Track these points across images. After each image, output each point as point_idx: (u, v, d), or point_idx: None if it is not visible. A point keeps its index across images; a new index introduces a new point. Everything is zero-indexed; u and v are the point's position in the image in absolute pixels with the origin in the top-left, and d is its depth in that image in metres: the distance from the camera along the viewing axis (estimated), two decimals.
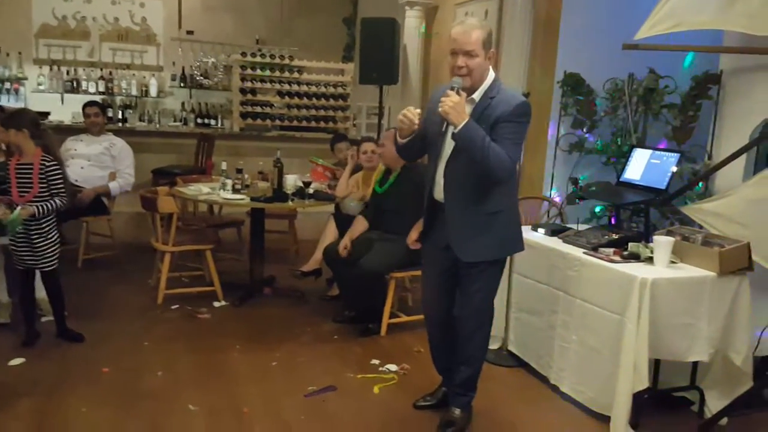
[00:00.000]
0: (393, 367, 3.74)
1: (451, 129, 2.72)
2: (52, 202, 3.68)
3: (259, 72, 7.28)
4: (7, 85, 7.39)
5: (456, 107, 2.62)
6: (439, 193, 2.92)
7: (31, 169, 3.65)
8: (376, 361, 3.81)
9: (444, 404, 3.22)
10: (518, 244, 3.04)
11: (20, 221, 3.53)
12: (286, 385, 3.48)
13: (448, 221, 2.89)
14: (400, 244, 3.97)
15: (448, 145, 2.83)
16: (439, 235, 2.97)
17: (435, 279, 3.10)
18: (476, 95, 2.78)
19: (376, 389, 3.48)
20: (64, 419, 2.99)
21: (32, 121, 3.72)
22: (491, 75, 2.82)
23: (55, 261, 3.78)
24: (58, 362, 3.59)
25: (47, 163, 3.68)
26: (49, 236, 3.72)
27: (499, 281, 3.07)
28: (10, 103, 7.11)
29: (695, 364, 3.32)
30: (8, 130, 3.61)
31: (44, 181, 3.66)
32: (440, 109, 2.64)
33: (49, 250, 3.72)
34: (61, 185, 3.74)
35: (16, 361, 3.55)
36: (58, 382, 3.35)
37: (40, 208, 3.62)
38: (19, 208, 3.55)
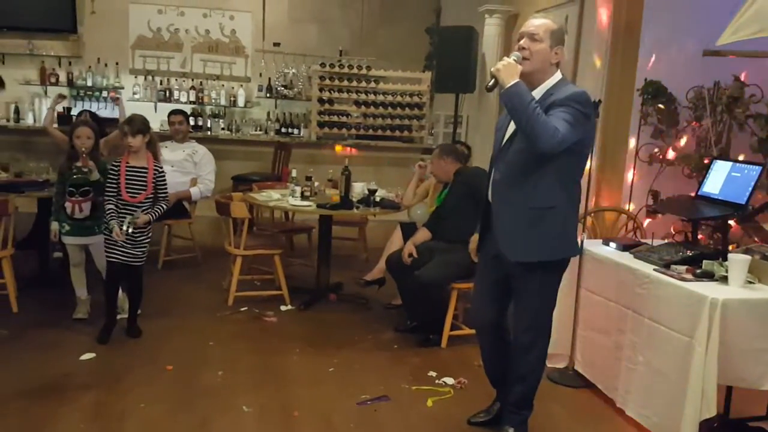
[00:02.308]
0: (450, 381, 3.67)
1: (511, 125, 2.72)
2: (160, 206, 3.98)
3: (337, 82, 7.38)
4: (105, 93, 7.86)
5: (508, 67, 2.56)
6: (491, 194, 2.86)
7: (144, 172, 3.91)
8: (433, 373, 3.75)
9: (499, 421, 3.11)
10: (571, 247, 2.85)
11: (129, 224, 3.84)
12: (340, 391, 3.48)
13: (495, 217, 2.78)
14: (460, 253, 3.86)
15: (503, 141, 2.81)
16: (492, 241, 2.88)
17: (485, 288, 3.02)
18: (537, 92, 2.69)
19: (429, 402, 3.42)
20: (121, 413, 3.11)
21: (149, 128, 4.02)
22: (557, 75, 2.74)
23: (145, 257, 4.02)
24: (127, 358, 3.74)
25: (159, 170, 3.98)
26: (149, 234, 3.99)
27: (556, 293, 2.91)
28: (107, 111, 7.55)
29: None
30: (135, 136, 3.87)
31: (153, 185, 3.93)
32: (492, 69, 2.61)
33: (146, 246, 3.97)
34: (166, 190, 4.03)
35: (87, 356, 3.73)
36: (123, 377, 3.50)
37: (153, 214, 3.93)
38: (128, 218, 3.83)
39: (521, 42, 2.69)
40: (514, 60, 2.62)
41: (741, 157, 4.06)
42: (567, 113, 2.57)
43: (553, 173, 2.67)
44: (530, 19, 2.78)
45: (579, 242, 2.94)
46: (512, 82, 2.53)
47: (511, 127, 2.76)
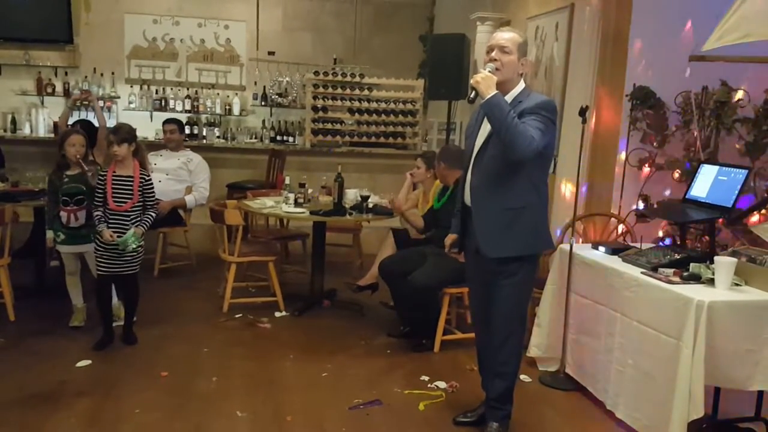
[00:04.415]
0: (442, 385, 3.70)
1: (482, 132, 2.92)
2: (149, 215, 4.01)
3: (331, 90, 7.44)
4: (101, 103, 7.89)
5: (486, 79, 2.75)
6: (468, 197, 3.03)
7: (129, 180, 3.93)
8: (425, 378, 3.79)
9: (485, 421, 3.17)
10: (544, 242, 3.05)
11: (136, 240, 3.88)
12: (333, 396, 3.51)
13: (474, 218, 2.97)
14: (453, 259, 3.93)
15: (476, 147, 2.98)
16: (472, 241, 3.04)
17: (477, 289, 3.17)
18: (506, 99, 2.85)
19: (421, 406, 3.45)
20: (116, 419, 3.14)
21: (135, 136, 4.03)
22: (522, 84, 2.95)
23: (138, 265, 4.04)
24: (122, 365, 3.78)
25: (146, 178, 4.00)
26: (142, 240, 4.01)
27: (531, 288, 3.13)
28: None
29: (761, 393, 3.10)
30: (120, 144, 3.90)
31: (140, 193, 3.95)
32: (471, 81, 2.78)
33: (138, 255, 3.99)
34: (155, 198, 4.07)
35: (83, 363, 3.76)
36: (119, 383, 3.53)
37: (144, 226, 3.95)
38: (131, 230, 3.87)
39: (493, 54, 2.88)
40: (489, 71, 2.80)
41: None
42: (538, 121, 2.77)
43: (525, 176, 2.87)
44: (498, 32, 2.98)
45: (551, 237, 3.15)
46: (491, 93, 2.71)
47: (482, 133, 2.95)
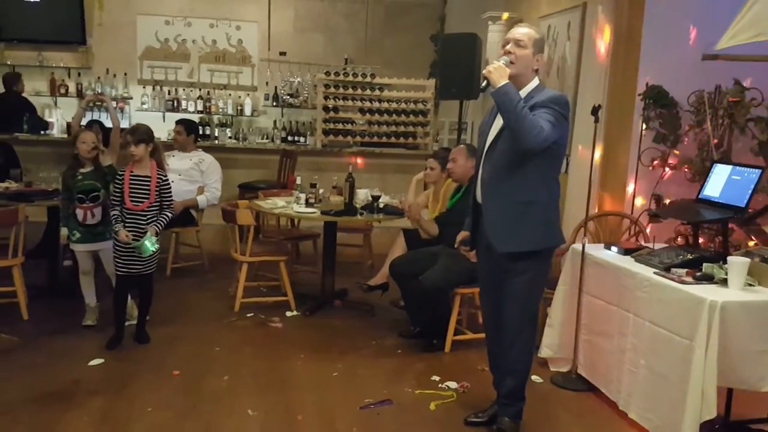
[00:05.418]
0: (453, 385, 3.69)
1: (494, 127, 2.94)
2: (165, 215, 4.04)
3: (342, 90, 7.45)
4: (114, 103, 7.94)
5: (498, 69, 2.77)
6: (479, 193, 3.05)
7: (147, 180, 3.97)
8: (436, 378, 3.78)
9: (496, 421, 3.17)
10: (555, 238, 3.03)
11: (152, 244, 3.89)
12: (344, 395, 3.52)
13: (483, 212, 2.99)
14: (464, 259, 3.91)
15: (487, 142, 3.00)
16: (483, 237, 3.06)
17: (488, 288, 3.17)
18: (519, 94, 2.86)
19: (432, 406, 3.44)
20: (128, 417, 3.16)
21: (153, 137, 4.07)
22: (536, 81, 2.96)
23: (155, 265, 4.08)
24: (135, 364, 3.80)
25: (163, 178, 4.03)
26: (158, 242, 4.03)
27: (542, 283, 3.12)
28: None
29: None
30: (138, 145, 3.94)
31: (157, 193, 3.98)
32: (483, 71, 2.81)
33: (155, 255, 4.02)
34: (171, 198, 4.10)
35: (96, 362, 3.78)
36: (131, 382, 3.55)
37: (159, 225, 3.99)
38: (147, 234, 3.90)
39: (507, 47, 2.90)
40: (504, 64, 2.82)
41: None
42: (549, 114, 2.78)
43: (534, 171, 2.88)
44: (515, 27, 3.00)
45: (562, 233, 3.13)
46: (502, 83, 2.73)
47: (494, 129, 2.96)
